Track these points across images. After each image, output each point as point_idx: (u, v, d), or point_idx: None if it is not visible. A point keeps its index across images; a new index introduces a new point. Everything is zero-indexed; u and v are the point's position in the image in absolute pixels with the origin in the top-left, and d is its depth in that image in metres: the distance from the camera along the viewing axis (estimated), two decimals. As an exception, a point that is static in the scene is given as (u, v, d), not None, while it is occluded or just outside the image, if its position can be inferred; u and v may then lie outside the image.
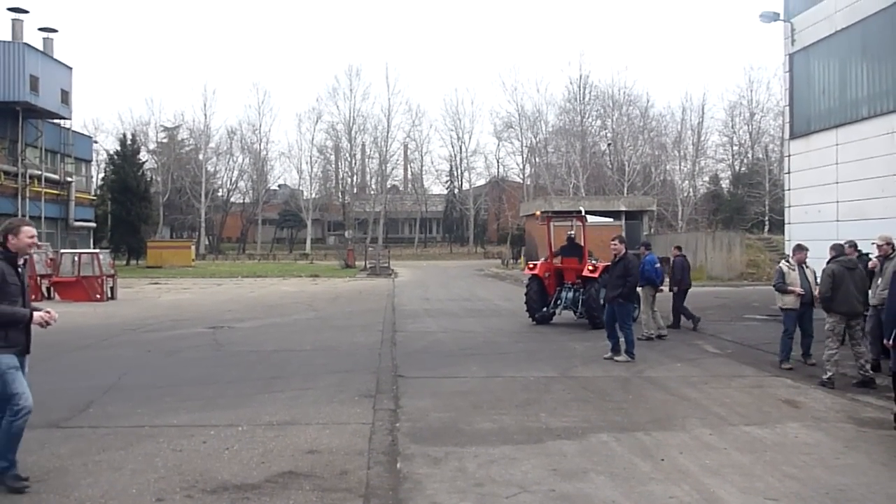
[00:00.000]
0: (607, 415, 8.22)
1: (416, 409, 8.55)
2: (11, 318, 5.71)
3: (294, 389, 9.64)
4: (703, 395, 9.34)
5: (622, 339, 11.97)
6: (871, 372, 9.85)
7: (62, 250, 28.30)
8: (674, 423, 7.86)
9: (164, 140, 79.73)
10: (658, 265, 15.45)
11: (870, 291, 10.54)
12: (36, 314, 5.80)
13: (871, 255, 12.57)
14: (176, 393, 9.47)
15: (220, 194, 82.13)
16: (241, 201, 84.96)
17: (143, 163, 62.11)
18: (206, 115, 78.12)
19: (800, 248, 11.62)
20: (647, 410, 8.46)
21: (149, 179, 63.59)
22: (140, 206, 55.51)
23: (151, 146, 78.07)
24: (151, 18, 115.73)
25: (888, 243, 10.78)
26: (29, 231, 5.95)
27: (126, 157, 56.57)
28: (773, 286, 11.67)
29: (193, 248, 57.29)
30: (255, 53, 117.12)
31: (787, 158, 24.97)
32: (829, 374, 9.96)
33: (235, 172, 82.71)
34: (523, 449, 6.85)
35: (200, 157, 77.03)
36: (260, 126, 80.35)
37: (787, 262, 11.72)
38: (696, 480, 5.94)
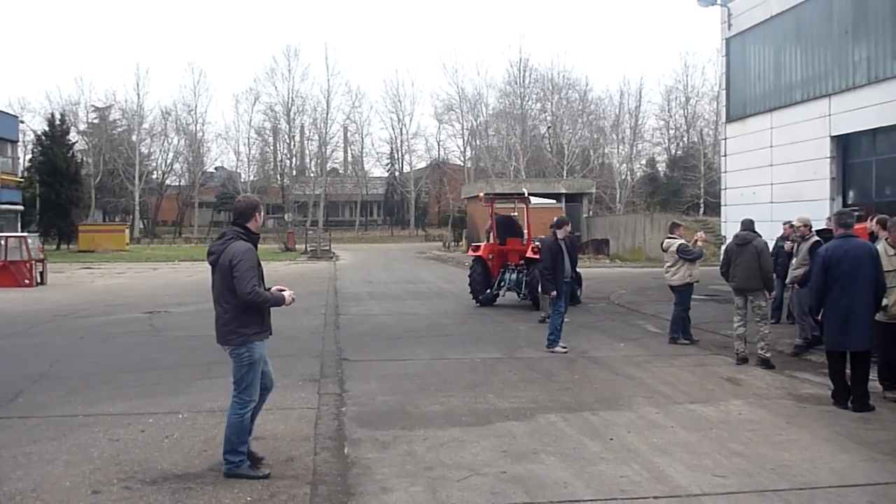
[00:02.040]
0: (554, 395, 8.22)
1: (362, 392, 8.41)
2: (274, 303, 5.65)
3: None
4: (648, 374, 9.44)
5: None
6: (767, 354, 9.93)
7: (-13, 234, 27.04)
8: (620, 402, 7.91)
9: (96, 121, 77.07)
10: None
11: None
12: (286, 294, 5.70)
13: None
14: (112, 380, 9.13)
15: (154, 177, 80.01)
16: (177, 184, 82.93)
17: (73, 143, 59.83)
18: (139, 94, 76.12)
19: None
20: (593, 390, 8.49)
21: (79, 161, 61.46)
22: (70, 188, 53.57)
23: (82, 127, 75.44)
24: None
25: (805, 225, 11.17)
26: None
27: (54, 138, 54.47)
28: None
29: (127, 231, 55.66)
30: (190, 31, 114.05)
31: (723, 141, 25.49)
32: (738, 350, 10.17)
33: (171, 154, 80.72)
34: (472, 431, 6.79)
35: (134, 138, 74.76)
36: (196, 107, 78.41)
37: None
38: (645, 459, 5.96)
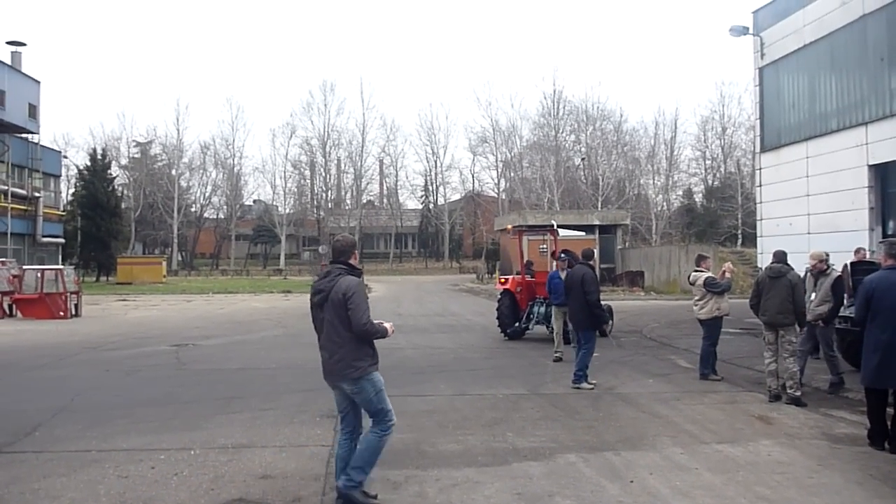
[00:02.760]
0: (576, 434, 7.96)
1: (378, 429, 8.23)
2: (381, 334, 5.68)
3: (254, 410, 9.29)
4: (675, 411, 9.12)
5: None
6: (797, 392, 9.51)
7: (26, 266, 27.59)
8: (644, 442, 7.62)
9: (137, 155, 78.81)
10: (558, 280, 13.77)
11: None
12: (387, 326, 5.74)
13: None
14: (130, 414, 9.08)
15: (193, 210, 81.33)
16: (215, 217, 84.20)
17: (114, 178, 61.23)
18: (178, 129, 77.57)
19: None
20: (616, 429, 8.21)
21: (120, 195, 62.77)
22: (110, 221, 54.63)
23: (123, 161, 77.11)
24: (124, 32, 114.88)
25: (822, 261, 10.82)
26: None
27: (96, 172, 55.68)
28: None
29: (165, 263, 56.44)
30: (228, 68, 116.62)
31: (758, 171, 25.06)
32: (770, 386, 9.81)
33: (209, 188, 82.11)
34: (487, 471, 6.57)
35: (173, 172, 76.16)
36: (234, 141, 79.76)
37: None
38: (665, 503, 5.69)
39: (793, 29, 21.99)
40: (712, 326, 11.62)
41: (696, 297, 11.82)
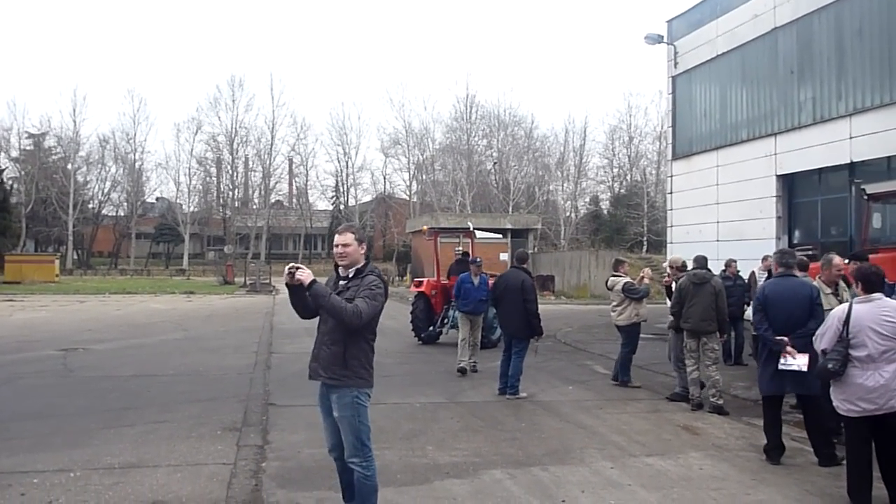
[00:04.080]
0: (500, 447, 7.49)
1: (286, 444, 7.54)
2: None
3: (147, 423, 8.41)
4: (600, 421, 8.78)
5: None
6: (720, 401, 9.37)
7: None
8: (572, 455, 7.21)
9: (29, 147, 74.27)
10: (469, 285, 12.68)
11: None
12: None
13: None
14: (4, 430, 8.05)
15: (91, 206, 77.31)
16: (115, 214, 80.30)
17: (2, 170, 57.41)
18: (75, 121, 73.31)
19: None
20: (542, 441, 7.78)
21: (8, 189, 58.96)
22: (-2, 216, 51.26)
23: (14, 154, 72.65)
24: (15, 13, 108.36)
25: (677, 266, 11.02)
26: None
27: (-18, 164, 52.11)
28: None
29: (58, 262, 53.20)
30: (130, 58, 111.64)
31: (669, 179, 25.48)
32: (692, 395, 9.64)
33: (108, 183, 78.09)
34: (407, 492, 6.02)
35: (69, 166, 72.18)
36: (135, 135, 76.10)
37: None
38: (602, 526, 5.26)
39: (706, 39, 22.42)
40: (631, 333, 11.41)
41: (615, 303, 11.59)
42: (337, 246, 5.08)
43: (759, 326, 7.21)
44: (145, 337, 17.59)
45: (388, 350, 15.54)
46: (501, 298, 10.55)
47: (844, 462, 6.13)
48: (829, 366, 5.78)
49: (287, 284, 4.90)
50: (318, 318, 5.13)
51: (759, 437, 8.03)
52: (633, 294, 11.22)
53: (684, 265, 10.97)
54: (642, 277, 11.62)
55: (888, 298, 6.01)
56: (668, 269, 11.21)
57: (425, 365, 13.41)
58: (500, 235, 38.84)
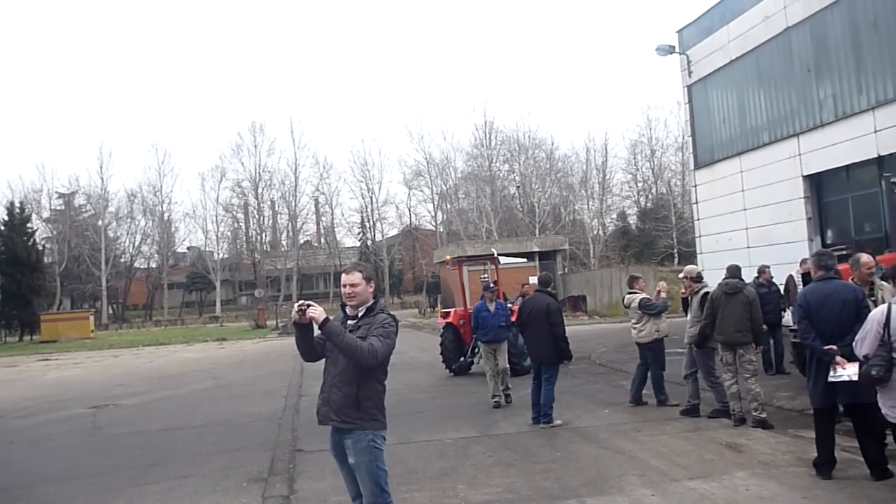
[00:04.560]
0: (535, 480, 7.17)
1: (313, 492, 7.31)
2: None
3: (172, 478, 8.23)
4: (638, 445, 8.42)
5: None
6: (763, 414, 8.95)
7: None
8: (610, 483, 6.88)
9: (60, 207, 75.67)
10: (486, 313, 12.21)
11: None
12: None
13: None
14: (27, 495, 7.94)
15: (122, 260, 78.35)
16: (146, 266, 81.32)
17: (34, 232, 58.43)
18: (102, 178, 74.65)
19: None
20: (578, 471, 7.44)
21: (41, 249, 60.01)
22: (32, 277, 51.93)
23: (45, 214, 74.01)
24: (39, 77, 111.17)
25: (691, 277, 10.56)
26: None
27: (14, 227, 52.97)
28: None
29: (92, 318, 53.83)
30: (152, 112, 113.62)
31: (693, 189, 25.05)
32: (734, 410, 9.23)
33: (138, 237, 79.15)
34: (438, 536, 5.73)
35: (99, 223, 73.37)
36: (161, 187, 77.23)
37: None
38: (644, 561, 4.93)
39: (718, 45, 22.12)
40: (655, 350, 10.99)
41: (633, 321, 11.22)
42: (345, 286, 4.89)
43: (807, 336, 6.71)
44: (176, 388, 17.52)
45: (420, 384, 15.31)
46: (527, 324, 10.25)
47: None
48: (873, 372, 5.43)
49: (295, 323, 4.69)
50: (323, 360, 4.92)
51: (807, 451, 7.63)
52: (650, 310, 10.87)
53: (699, 276, 10.63)
54: (658, 292, 11.28)
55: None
56: (683, 281, 10.83)
57: (457, 398, 13.12)
58: (525, 259, 38.42)
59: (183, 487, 7.79)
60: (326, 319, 4.53)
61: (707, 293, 10.21)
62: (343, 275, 4.95)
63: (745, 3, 20.81)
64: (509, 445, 8.84)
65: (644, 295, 11.11)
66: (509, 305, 15.35)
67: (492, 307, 12.04)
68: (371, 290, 4.90)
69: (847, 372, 6.36)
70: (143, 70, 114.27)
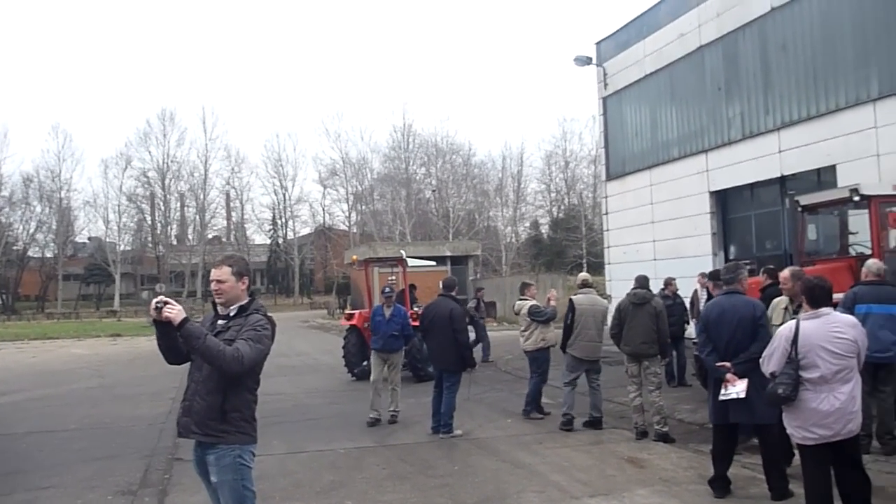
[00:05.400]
0: (429, 496, 6.74)
1: (185, 507, 6.66)
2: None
3: (29, 489, 7.41)
4: (539, 458, 8.11)
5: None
6: (665, 428, 8.88)
7: None
8: (507, 501, 6.52)
9: (-51, 187, 70.92)
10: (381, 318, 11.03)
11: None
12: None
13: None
14: None
15: (15, 248, 74.01)
16: (41, 255, 77.06)
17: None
18: (-4, 159, 70.40)
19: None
20: (475, 486, 7.05)
21: (-79, 232, 56.04)
22: None
23: (-71, 194, 69.22)
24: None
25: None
26: None
27: None
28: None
29: (-24, 308, 50.53)
30: (53, 92, 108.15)
31: (604, 199, 25.29)
32: (636, 423, 9.10)
33: (33, 224, 74.92)
34: (317, 560, 5.22)
35: (-10, 207, 69.14)
36: (60, 173, 73.49)
37: None
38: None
39: (634, 60, 22.37)
40: (539, 359, 10.82)
41: (522, 328, 11.09)
42: (212, 281, 4.34)
43: (702, 349, 6.68)
44: (55, 386, 16.31)
45: (319, 389, 14.74)
46: (429, 330, 9.83)
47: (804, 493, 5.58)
48: (780, 391, 5.23)
49: (154, 321, 4.11)
50: (189, 364, 4.36)
51: (708, 467, 7.45)
52: (538, 317, 10.70)
53: (585, 283, 10.42)
54: (549, 299, 11.17)
55: (838, 313, 5.53)
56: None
57: (356, 404, 12.55)
58: (434, 263, 37.88)
59: (39, 501, 7.00)
60: (185, 320, 3.98)
61: (534, 305, 10.74)
62: (212, 269, 4.40)
63: (661, 19, 21.11)
64: (405, 457, 8.39)
65: (534, 302, 10.91)
66: (415, 309, 14.94)
67: (388, 312, 10.84)
68: (243, 286, 4.37)
69: (735, 390, 6.25)
70: (47, 45, 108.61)
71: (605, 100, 24.26)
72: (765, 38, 17.44)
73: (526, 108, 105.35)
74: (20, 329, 45.23)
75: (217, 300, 4.36)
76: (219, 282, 4.32)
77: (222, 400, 4.17)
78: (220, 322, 4.33)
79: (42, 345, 31.96)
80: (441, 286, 10.13)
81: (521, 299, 11.10)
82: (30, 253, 76.12)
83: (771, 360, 5.43)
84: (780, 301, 7.34)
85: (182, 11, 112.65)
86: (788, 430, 5.39)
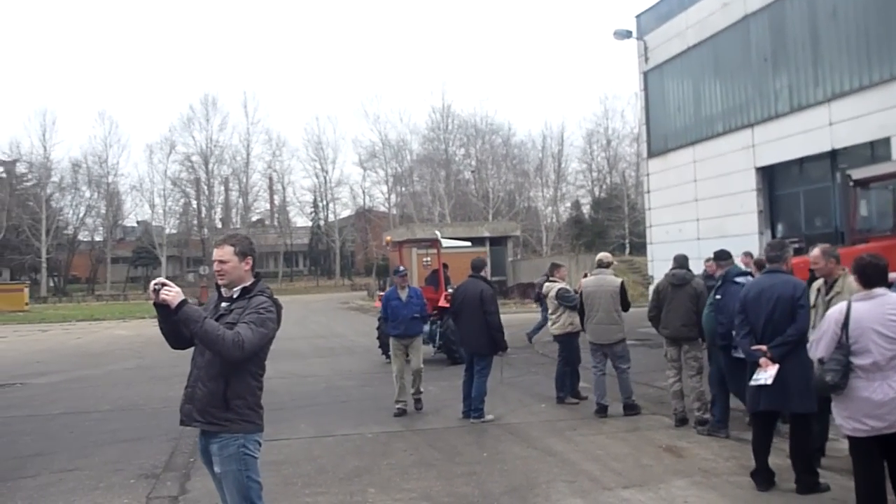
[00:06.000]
0: (454, 484, 6.48)
1: (205, 492, 6.45)
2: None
3: (53, 472, 7.35)
4: (572, 445, 7.79)
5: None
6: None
7: None
8: (536, 491, 6.22)
9: (2, 175, 72.58)
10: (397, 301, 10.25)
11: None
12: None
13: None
14: None
15: (66, 232, 75.67)
16: (90, 239, 78.73)
17: (-33, 198, 55.92)
18: (45, 146, 71.87)
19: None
20: (503, 474, 6.77)
21: (-25, 217, 57.51)
22: (-37, 246, 49.81)
23: (-17, 182, 70.91)
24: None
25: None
26: None
27: (-55, 193, 50.69)
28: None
29: (27, 290, 51.71)
30: (99, 80, 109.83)
31: (645, 177, 24.67)
32: (675, 409, 8.70)
33: (82, 208, 76.50)
34: (333, 552, 5.00)
35: (41, 192, 70.57)
36: (107, 158, 74.69)
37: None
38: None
39: (676, 32, 21.65)
40: (566, 343, 10.40)
41: (550, 311, 10.67)
42: (214, 261, 4.11)
43: (738, 332, 6.29)
44: (95, 367, 16.48)
45: (353, 371, 14.58)
46: (460, 312, 9.54)
47: (853, 487, 5.17)
48: (828, 378, 4.83)
49: (154, 304, 3.90)
50: (192, 348, 4.15)
51: (751, 457, 7.08)
52: (566, 301, 10.25)
53: (599, 262, 9.98)
54: (580, 284, 10.71)
55: (894, 293, 5.07)
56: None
57: (388, 386, 12.20)
58: (469, 243, 37.33)
59: (62, 483, 6.92)
60: (183, 302, 3.76)
61: (563, 288, 10.28)
62: (214, 248, 4.17)
63: (704, -11, 20.35)
64: (434, 443, 8.14)
65: (563, 285, 10.51)
66: (449, 290, 14.64)
67: (403, 295, 10.09)
68: (247, 267, 4.13)
69: (764, 375, 5.85)
70: (92, 35, 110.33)
71: (645, 74, 23.58)
72: (814, 5, 16.66)
73: (566, 86, 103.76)
74: (69, 311, 46.23)
75: (219, 281, 4.14)
76: (221, 262, 4.09)
77: (224, 387, 3.96)
78: (223, 305, 4.11)
79: (88, 326, 32.55)
80: (471, 267, 9.78)
81: (549, 280, 10.70)
82: (80, 237, 77.85)
83: (819, 345, 5.02)
84: (817, 282, 6.88)
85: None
86: (838, 421, 4.99)
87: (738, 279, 7.73)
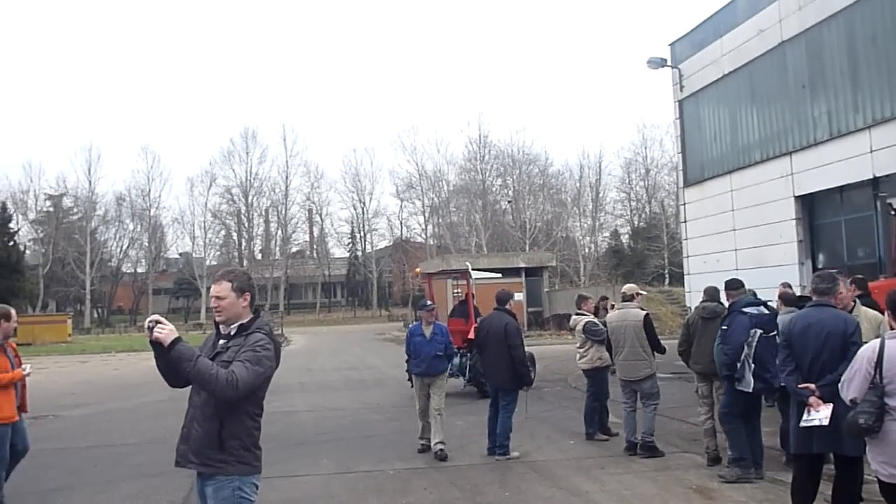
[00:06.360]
0: (472, 526, 6.28)
1: (219, 532, 6.38)
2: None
3: (72, 508, 7.32)
4: (598, 485, 7.52)
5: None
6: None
7: None
8: (556, 534, 5.99)
9: (49, 209, 74.61)
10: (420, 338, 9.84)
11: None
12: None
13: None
14: None
15: (110, 264, 77.31)
16: (133, 271, 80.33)
17: (15, 232, 57.52)
18: (90, 180, 73.71)
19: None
20: (524, 516, 6.56)
21: (22, 250, 59.03)
22: (11, 278, 51.11)
23: (32, 215, 72.92)
24: (27, 75, 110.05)
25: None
26: None
27: (-7, 227, 52.25)
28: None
29: (70, 321, 52.73)
30: (141, 115, 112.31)
31: (682, 207, 24.29)
32: (707, 447, 8.36)
33: (126, 241, 78.24)
34: None
35: (86, 225, 72.33)
36: (150, 191, 76.35)
37: None
38: None
39: (711, 59, 21.40)
40: (595, 378, 10.13)
41: (577, 345, 10.38)
42: (211, 298, 4.03)
43: (783, 368, 5.93)
44: (127, 399, 16.58)
45: (381, 404, 14.43)
46: (484, 346, 9.36)
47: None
48: (861, 420, 4.54)
49: (151, 342, 3.82)
50: (190, 387, 4.06)
51: (786, 500, 6.75)
52: (594, 336, 9.99)
53: (624, 295, 9.74)
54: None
55: (929, 330, 4.77)
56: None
57: (415, 421, 12.05)
58: (500, 275, 36.91)
59: (78, 520, 6.87)
60: (176, 340, 3.68)
61: (590, 322, 10.10)
62: (212, 284, 4.09)
63: (739, 16, 20.10)
64: (455, 480, 7.93)
65: (591, 318, 10.24)
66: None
67: (428, 331, 9.62)
68: (245, 303, 4.04)
69: (819, 416, 5.49)
70: (134, 71, 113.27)
71: (681, 102, 23.31)
72: (852, 31, 16.31)
73: (604, 115, 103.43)
74: (110, 342, 46.93)
75: (217, 318, 4.06)
76: (218, 298, 4.01)
77: (220, 427, 3.85)
78: (220, 342, 4.02)
79: (127, 357, 32.92)
80: (496, 300, 9.59)
81: (577, 314, 10.43)
82: (123, 268, 79.45)
83: (851, 386, 4.74)
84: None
85: (262, 35, 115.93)
86: (873, 466, 4.69)
87: (747, 309, 7.46)
